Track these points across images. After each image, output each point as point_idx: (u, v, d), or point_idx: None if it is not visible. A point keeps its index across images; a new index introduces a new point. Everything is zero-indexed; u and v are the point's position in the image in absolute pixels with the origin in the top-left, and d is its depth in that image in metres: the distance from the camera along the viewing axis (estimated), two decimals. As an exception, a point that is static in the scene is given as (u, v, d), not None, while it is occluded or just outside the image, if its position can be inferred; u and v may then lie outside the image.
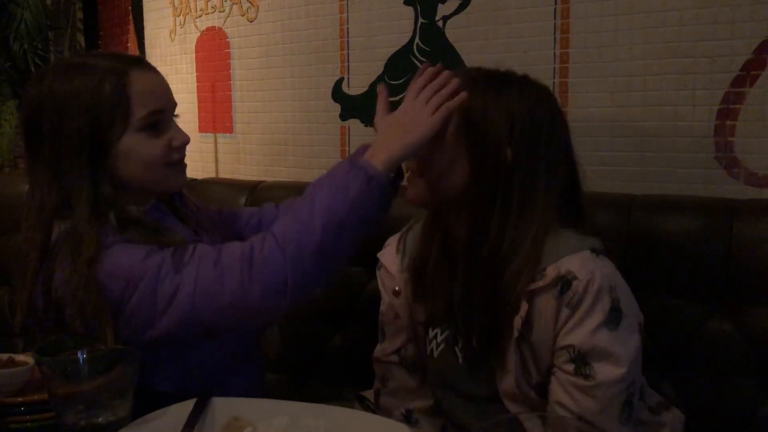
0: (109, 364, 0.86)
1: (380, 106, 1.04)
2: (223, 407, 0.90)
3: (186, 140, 1.12)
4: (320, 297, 1.65)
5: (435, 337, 1.11)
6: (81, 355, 0.86)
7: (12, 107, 2.57)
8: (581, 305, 0.94)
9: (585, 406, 0.95)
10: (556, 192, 1.01)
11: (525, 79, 1.05)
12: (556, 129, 1.02)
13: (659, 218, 1.28)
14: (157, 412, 0.88)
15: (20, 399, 0.93)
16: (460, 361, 1.08)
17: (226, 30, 2.14)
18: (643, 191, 1.40)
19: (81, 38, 2.79)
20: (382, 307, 1.21)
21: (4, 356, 0.99)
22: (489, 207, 0.99)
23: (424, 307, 1.12)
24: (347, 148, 1.87)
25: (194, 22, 2.25)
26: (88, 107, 1.03)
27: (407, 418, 1.15)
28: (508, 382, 1.01)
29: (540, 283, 0.96)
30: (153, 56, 2.46)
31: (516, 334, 0.98)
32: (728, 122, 1.37)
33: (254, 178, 1.96)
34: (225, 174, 2.19)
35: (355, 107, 1.85)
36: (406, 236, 1.18)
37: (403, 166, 1.04)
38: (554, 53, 1.53)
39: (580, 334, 0.95)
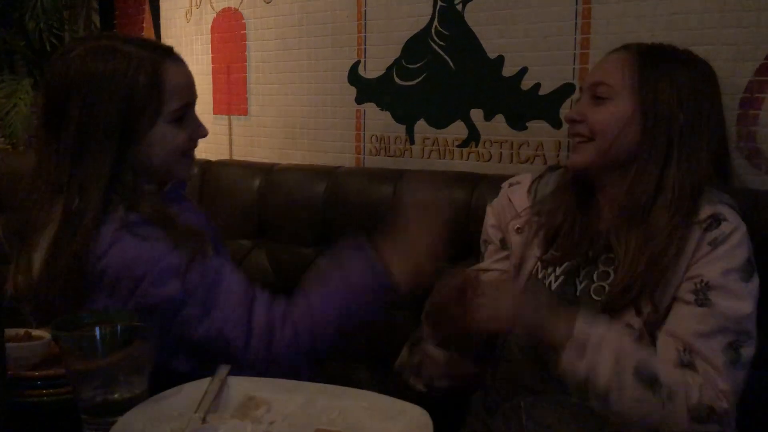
0: (126, 340, 0.86)
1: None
2: (238, 386, 0.90)
3: (206, 133, 1.17)
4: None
5: (554, 270, 1.16)
6: (98, 331, 0.86)
7: (27, 86, 2.57)
8: (723, 245, 1.01)
9: (694, 329, 0.99)
10: (714, 156, 1.09)
11: (689, 53, 1.16)
12: (717, 99, 1.13)
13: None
14: (173, 389, 0.88)
15: (37, 373, 0.93)
16: (578, 292, 1.13)
17: (242, 11, 2.12)
18: (662, 180, 1.38)
19: (96, 18, 2.78)
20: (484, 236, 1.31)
21: (21, 331, 1.00)
22: (654, 167, 1.07)
23: (545, 247, 1.18)
24: (362, 132, 1.86)
25: (210, 2, 2.24)
26: (122, 94, 1.04)
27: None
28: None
29: (693, 219, 1.03)
30: (168, 37, 2.46)
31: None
32: (751, 111, 1.35)
33: (268, 161, 1.96)
34: (239, 156, 2.19)
35: (371, 91, 1.83)
36: (539, 182, 1.25)
37: None
38: (575, 39, 1.51)
39: (714, 269, 1.00)
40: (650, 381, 0.94)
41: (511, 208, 1.25)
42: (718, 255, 1.01)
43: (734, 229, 1.02)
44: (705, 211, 1.04)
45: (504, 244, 1.26)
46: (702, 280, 1.01)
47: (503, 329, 1.11)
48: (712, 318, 0.98)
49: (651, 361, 0.96)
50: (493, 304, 1.01)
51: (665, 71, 1.10)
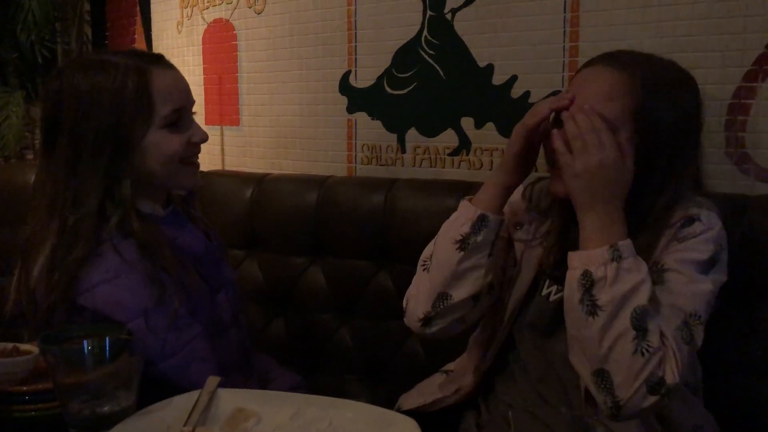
0: (115, 353, 0.86)
1: None
2: (228, 398, 0.90)
3: (205, 137, 1.15)
4: (327, 289, 1.65)
5: (554, 283, 1.13)
6: (86, 345, 0.86)
7: (19, 98, 2.57)
8: (690, 241, 1.02)
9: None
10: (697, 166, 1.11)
11: (675, 67, 1.11)
12: (701, 113, 1.11)
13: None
14: (162, 402, 0.87)
15: (25, 388, 0.92)
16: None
17: (233, 22, 2.13)
18: (652, 186, 1.38)
19: (88, 30, 2.78)
20: None
21: (9, 345, 0.99)
22: (650, 192, 1.06)
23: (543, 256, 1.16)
24: (354, 141, 1.86)
25: (201, 14, 2.24)
26: (110, 105, 1.05)
27: None
28: None
29: (665, 225, 1.04)
30: (160, 48, 2.45)
31: None
32: (739, 117, 1.35)
33: (260, 171, 1.96)
34: (231, 166, 2.18)
35: (362, 100, 1.83)
36: (534, 186, 1.24)
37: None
38: (564, 47, 1.51)
39: (673, 257, 1.01)
40: (639, 328, 0.92)
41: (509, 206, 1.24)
42: (684, 247, 1.02)
43: (705, 230, 1.02)
44: (677, 216, 1.04)
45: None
46: (659, 264, 1.02)
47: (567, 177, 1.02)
48: (666, 294, 0.99)
49: (653, 316, 0.94)
50: (578, 151, 0.99)
51: (663, 98, 1.05)
